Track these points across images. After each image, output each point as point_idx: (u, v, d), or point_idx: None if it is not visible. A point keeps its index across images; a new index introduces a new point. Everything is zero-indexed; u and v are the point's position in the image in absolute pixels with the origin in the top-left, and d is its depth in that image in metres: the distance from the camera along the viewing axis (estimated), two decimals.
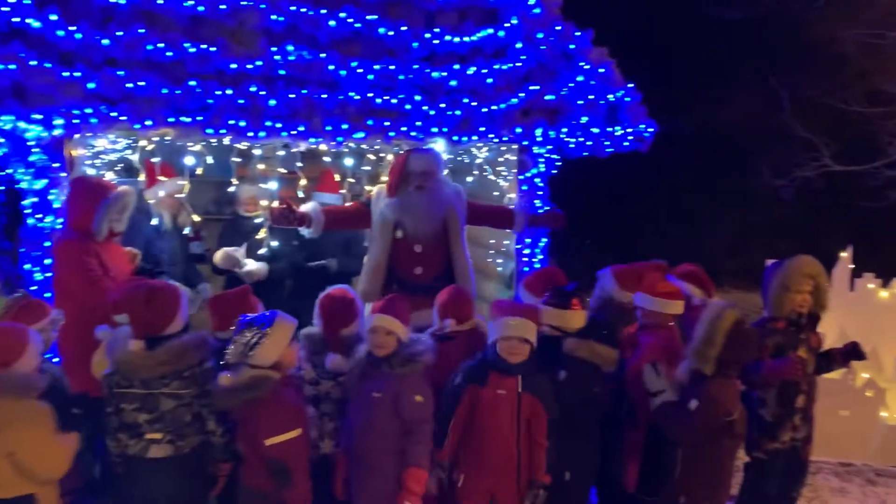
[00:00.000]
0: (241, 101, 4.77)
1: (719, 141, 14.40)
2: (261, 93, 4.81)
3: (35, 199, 4.79)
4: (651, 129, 5.42)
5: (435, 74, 5.15)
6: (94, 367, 3.77)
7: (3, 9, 4.42)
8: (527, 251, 5.74)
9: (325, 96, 4.93)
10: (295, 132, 4.88)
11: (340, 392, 3.75)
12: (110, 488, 3.91)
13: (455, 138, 5.22)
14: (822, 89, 12.81)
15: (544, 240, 5.77)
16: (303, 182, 5.75)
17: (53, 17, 4.52)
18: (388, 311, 3.62)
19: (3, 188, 4.95)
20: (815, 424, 4.42)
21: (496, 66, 5.25)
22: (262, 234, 5.56)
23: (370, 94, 5.01)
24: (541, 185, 5.72)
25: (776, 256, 4.81)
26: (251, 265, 5.47)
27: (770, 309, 4.33)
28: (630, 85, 5.38)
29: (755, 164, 13.99)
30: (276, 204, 4.95)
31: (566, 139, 5.46)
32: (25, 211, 4.83)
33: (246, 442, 3.33)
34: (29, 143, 4.72)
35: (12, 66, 4.40)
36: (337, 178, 5.90)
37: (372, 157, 6.11)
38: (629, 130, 5.39)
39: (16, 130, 4.62)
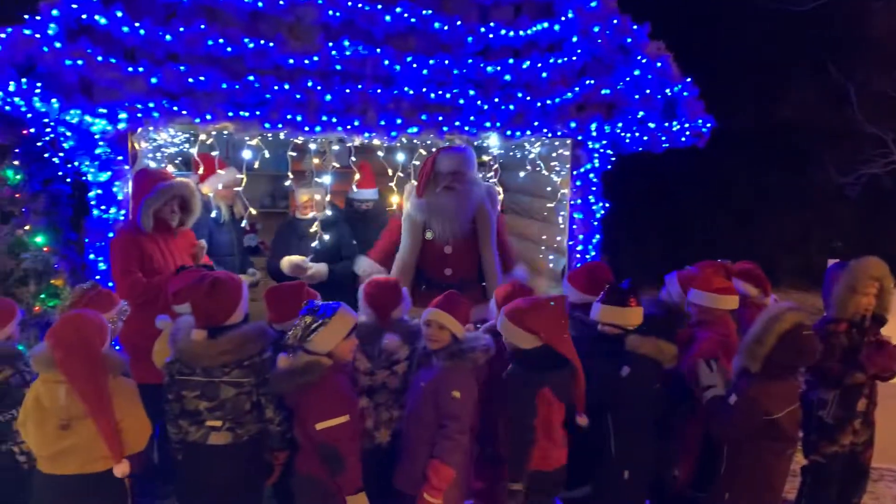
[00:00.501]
0: (298, 96, 4.83)
1: (779, 136, 13.99)
2: (317, 88, 4.86)
3: (99, 191, 4.94)
4: (709, 125, 5.31)
5: (489, 69, 5.14)
6: (154, 355, 3.87)
7: (72, 6, 4.56)
8: (579, 247, 5.69)
9: (379, 91, 4.96)
10: (350, 127, 4.92)
11: (396, 381, 3.79)
12: (170, 474, 4.02)
13: (508, 133, 5.20)
14: (891, 83, 12.35)
15: (597, 236, 5.71)
16: (357, 177, 5.80)
17: (119, 14, 4.65)
18: (444, 307, 3.65)
19: (69, 180, 5.10)
20: (877, 430, 4.30)
21: (551, 60, 5.22)
22: (314, 228, 5.61)
23: (424, 89, 5.02)
24: (594, 180, 5.66)
25: (837, 256, 4.69)
26: (313, 268, 5.48)
27: (833, 310, 4.22)
28: (688, 79, 5.28)
29: (818, 161, 13.58)
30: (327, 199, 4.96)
31: (622, 134, 5.39)
32: (91, 203, 4.98)
33: (299, 428, 3.40)
34: (94, 137, 4.86)
35: (80, 62, 4.54)
36: (390, 171, 5.92)
37: (424, 151, 6.13)
38: (686, 125, 5.29)
39: (82, 124, 4.76)
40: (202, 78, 4.71)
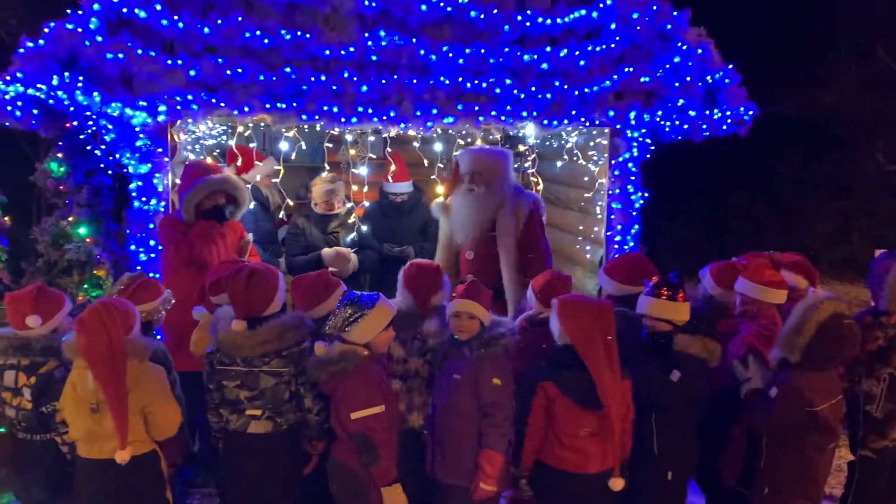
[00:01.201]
0: (334, 87, 4.85)
1: (823, 124, 13.64)
2: (353, 78, 4.87)
3: (140, 183, 5.01)
4: (751, 112, 5.21)
5: (526, 57, 5.10)
6: (192, 344, 3.92)
7: (112, 0, 4.62)
8: (617, 238, 5.62)
9: (415, 81, 4.94)
10: (385, 117, 4.92)
11: (429, 370, 3.78)
12: (209, 463, 4.08)
13: (545, 122, 5.15)
14: None
15: (636, 226, 5.64)
16: (392, 167, 5.79)
17: (157, 7, 4.70)
18: (471, 296, 3.63)
19: (111, 172, 5.19)
20: None
21: (589, 48, 5.16)
22: (352, 219, 5.62)
23: (460, 79, 5.00)
24: (633, 169, 5.58)
25: (884, 247, 4.54)
26: (354, 259, 5.43)
27: (884, 302, 4.09)
28: (729, 66, 5.18)
29: (863, 149, 13.22)
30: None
31: (661, 122, 5.32)
32: (131, 194, 5.06)
33: (335, 417, 3.41)
34: (135, 129, 4.93)
35: (120, 55, 4.61)
36: (426, 162, 5.90)
37: (461, 142, 6.10)
38: (728, 113, 5.19)
39: (123, 117, 4.84)
40: (239, 70, 4.75)
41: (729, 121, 5.23)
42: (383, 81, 4.91)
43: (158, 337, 4.41)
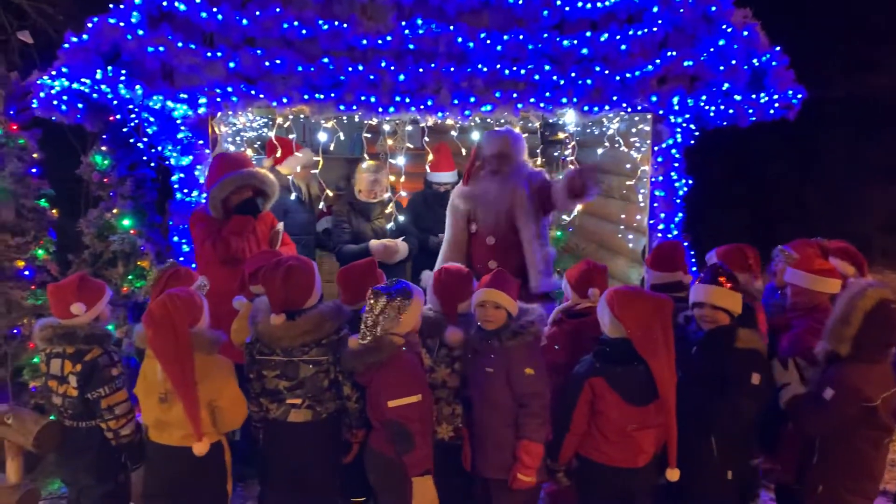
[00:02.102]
0: (372, 77, 4.83)
1: (874, 107, 13.19)
2: (390, 68, 4.84)
3: (182, 175, 5.07)
4: (800, 96, 5.06)
5: (565, 42, 5.00)
6: (232, 334, 3.95)
7: None
8: (660, 226, 5.51)
9: (452, 69, 4.90)
10: (423, 107, 4.89)
11: (456, 380, 3.72)
12: (250, 455, 4.12)
13: (585, 108, 5.06)
14: None
15: (679, 214, 5.52)
16: (430, 157, 5.76)
17: (197, 0, 4.72)
18: (497, 285, 3.58)
19: (153, 165, 5.26)
20: None
21: (630, 32, 5.05)
22: (389, 209, 5.62)
23: (498, 66, 4.93)
24: (677, 156, 5.46)
25: None
26: (402, 249, 5.44)
27: None
28: (776, 48, 5.04)
29: None
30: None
31: (705, 107, 5.19)
32: (174, 186, 5.12)
33: (371, 405, 3.42)
34: (176, 122, 4.99)
35: (161, 49, 4.65)
36: (464, 152, 5.85)
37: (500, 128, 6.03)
38: (775, 97, 5.05)
39: (164, 109, 4.89)
40: (278, 61, 4.76)
41: (776, 105, 5.08)
42: (421, 70, 4.87)
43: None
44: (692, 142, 5.51)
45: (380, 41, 4.86)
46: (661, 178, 5.47)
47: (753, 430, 3.61)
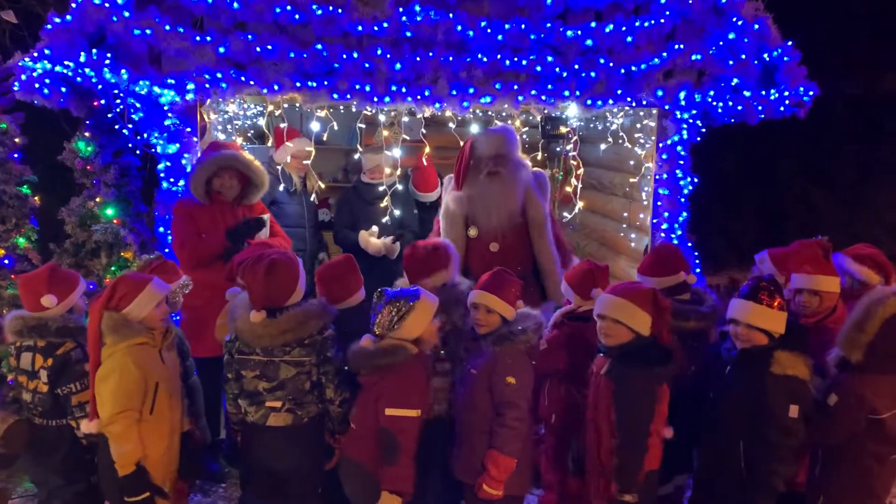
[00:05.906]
0: (367, 65, 4.68)
1: (889, 105, 13.01)
2: (386, 56, 4.70)
3: (168, 164, 4.94)
4: (811, 93, 4.93)
5: (569, 33, 4.85)
6: (217, 329, 3.82)
7: None
8: (664, 226, 5.36)
9: (451, 59, 4.75)
10: (420, 97, 4.75)
11: (448, 366, 3.70)
12: (233, 453, 3.97)
13: (589, 102, 4.92)
14: None
15: (684, 214, 5.37)
16: (427, 150, 5.61)
17: None
18: (491, 289, 3.48)
19: (139, 152, 5.12)
20: None
21: (637, 24, 4.90)
22: (384, 202, 5.48)
23: (499, 56, 4.78)
24: (682, 153, 5.32)
25: None
26: (396, 248, 5.39)
27: None
28: (788, 43, 4.92)
29: None
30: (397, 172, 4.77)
31: (713, 103, 5.05)
32: (160, 175, 4.98)
33: (362, 409, 3.31)
34: (163, 108, 4.84)
35: (148, 31, 4.50)
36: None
37: (499, 123, 5.86)
38: (786, 94, 4.92)
39: (151, 95, 4.74)
40: (269, 47, 4.63)
41: (787, 102, 4.95)
42: (418, 59, 4.72)
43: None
44: (699, 139, 5.36)
45: (376, 28, 4.71)
46: (665, 175, 5.33)
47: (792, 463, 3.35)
